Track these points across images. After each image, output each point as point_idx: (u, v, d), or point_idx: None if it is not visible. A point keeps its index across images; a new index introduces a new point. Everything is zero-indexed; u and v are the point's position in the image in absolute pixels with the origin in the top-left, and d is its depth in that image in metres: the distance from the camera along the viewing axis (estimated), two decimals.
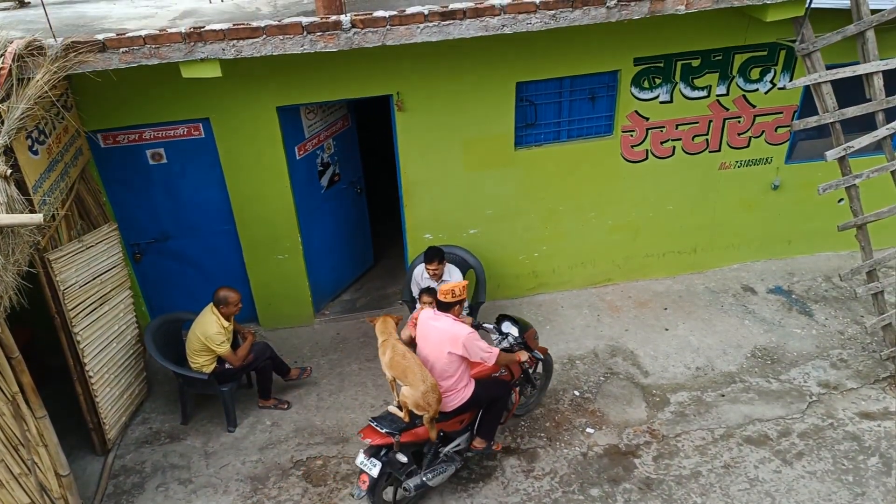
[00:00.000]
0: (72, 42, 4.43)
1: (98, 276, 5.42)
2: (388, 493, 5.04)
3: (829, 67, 5.43)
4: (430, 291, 5.87)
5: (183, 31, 4.54)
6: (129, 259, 6.23)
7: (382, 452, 4.80)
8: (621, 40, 5.92)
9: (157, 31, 4.55)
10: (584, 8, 4.84)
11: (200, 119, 5.80)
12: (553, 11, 4.81)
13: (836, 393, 6.01)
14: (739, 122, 6.58)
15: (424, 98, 5.94)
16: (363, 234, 7.54)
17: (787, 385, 6.11)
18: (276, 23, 4.62)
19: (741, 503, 5.11)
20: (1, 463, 4.23)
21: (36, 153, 4.69)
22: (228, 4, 5.32)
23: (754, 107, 6.52)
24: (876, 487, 5.20)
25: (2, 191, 3.85)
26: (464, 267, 6.47)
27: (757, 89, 6.43)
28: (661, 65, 6.16)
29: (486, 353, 4.79)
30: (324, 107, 6.41)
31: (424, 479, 4.98)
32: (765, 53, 6.24)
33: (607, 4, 4.83)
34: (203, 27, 4.58)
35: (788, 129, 6.66)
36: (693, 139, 6.61)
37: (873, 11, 5.26)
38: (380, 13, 4.68)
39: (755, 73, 6.34)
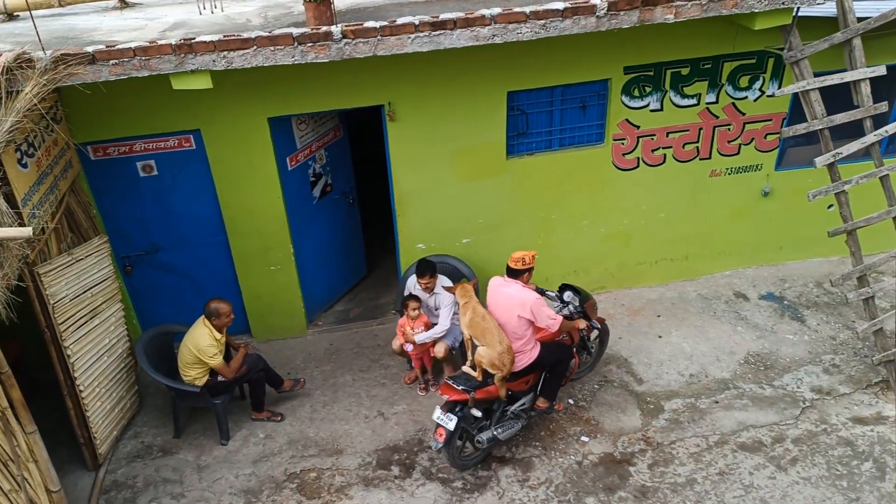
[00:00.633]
0: (61, 54, 4.41)
1: (88, 289, 5.38)
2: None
3: (817, 75, 5.47)
4: (415, 298, 6.00)
5: (173, 42, 4.53)
6: (119, 271, 6.20)
7: (458, 408, 5.23)
8: (611, 49, 5.95)
9: (147, 43, 4.54)
10: (574, 17, 4.86)
11: (191, 131, 5.79)
12: (543, 21, 4.83)
13: (829, 398, 6.03)
14: (729, 129, 6.62)
15: (416, 108, 5.95)
16: (356, 245, 7.52)
17: (781, 391, 6.12)
18: (267, 34, 4.61)
19: None
20: None
21: (25, 166, 4.66)
22: (219, 16, 5.31)
23: (744, 114, 6.56)
24: (870, 493, 5.20)
25: None
26: (457, 276, 6.46)
27: (746, 97, 6.47)
28: (651, 73, 6.20)
29: (551, 319, 5.15)
30: (315, 117, 6.41)
31: (495, 432, 5.39)
32: (753, 61, 6.29)
33: (597, 14, 4.86)
34: (193, 39, 4.57)
35: (778, 136, 6.70)
36: (684, 147, 6.65)
37: (859, 19, 5.31)
38: (370, 24, 4.69)
39: (744, 81, 6.39)
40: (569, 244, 6.98)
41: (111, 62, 4.54)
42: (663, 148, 6.62)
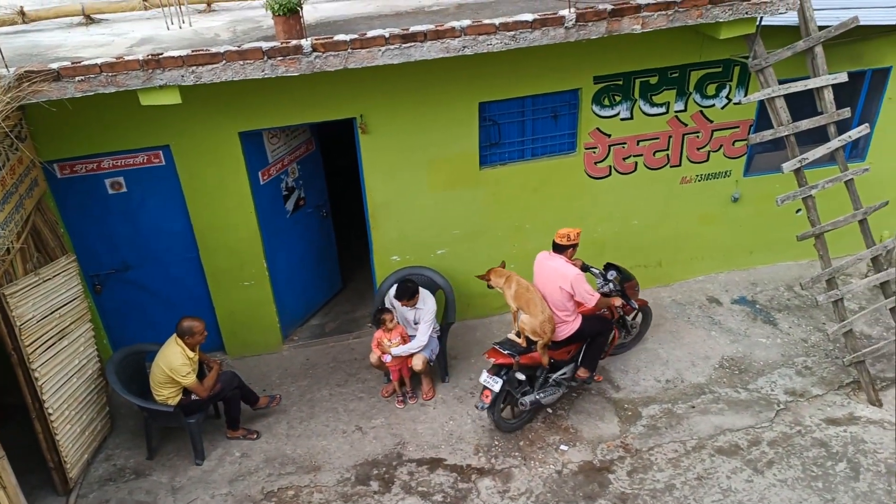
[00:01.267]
0: (25, 71, 4.34)
1: (56, 309, 5.27)
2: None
3: (781, 82, 5.59)
4: (389, 310, 6.03)
5: (141, 58, 4.48)
6: (88, 291, 6.08)
7: (503, 372, 5.57)
8: (581, 59, 6.01)
9: (114, 59, 4.48)
10: (543, 28, 4.90)
11: (160, 146, 5.72)
12: (513, 32, 4.87)
13: (802, 400, 6.11)
14: (698, 136, 6.72)
15: (388, 120, 5.95)
16: (330, 258, 7.47)
17: (755, 394, 6.19)
18: (236, 48, 4.58)
19: None
20: None
21: None
22: (187, 31, 5.26)
23: (712, 122, 6.66)
24: (845, 493, 5.27)
25: None
26: (432, 288, 6.44)
27: (713, 105, 6.58)
28: (621, 82, 6.27)
29: (589, 295, 5.47)
30: (287, 131, 6.37)
31: (538, 396, 5.75)
32: (720, 70, 6.40)
33: (566, 25, 4.91)
34: (161, 54, 4.53)
35: (745, 142, 6.82)
36: (654, 154, 6.73)
37: (820, 28, 5.44)
38: (341, 37, 4.68)
39: (711, 89, 6.49)
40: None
41: (77, 79, 4.48)
42: (634, 156, 6.69)
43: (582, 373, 5.95)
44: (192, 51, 4.56)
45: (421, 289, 6.07)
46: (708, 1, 5.02)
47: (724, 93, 6.54)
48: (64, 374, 5.35)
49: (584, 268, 6.06)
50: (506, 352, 5.59)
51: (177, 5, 5.39)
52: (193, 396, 5.58)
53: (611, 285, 6.17)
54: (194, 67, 4.57)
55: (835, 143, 5.70)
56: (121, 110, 5.28)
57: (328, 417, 6.15)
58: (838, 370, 6.38)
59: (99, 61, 4.47)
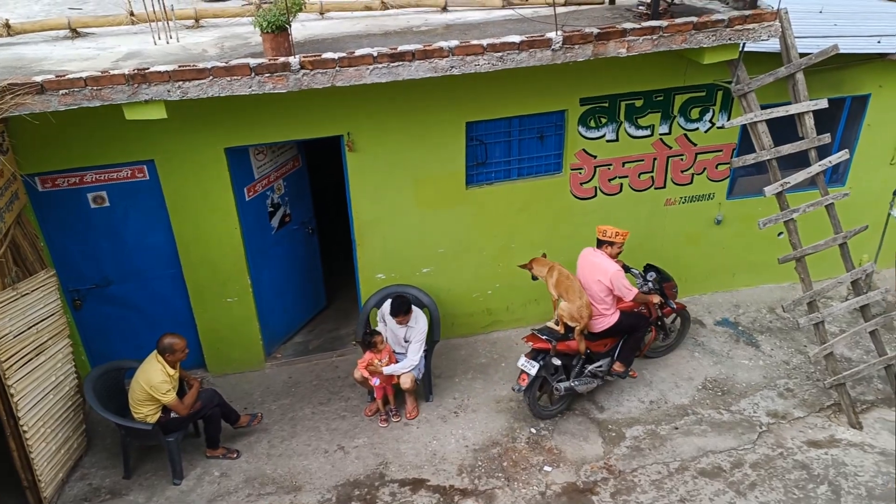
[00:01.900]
0: (8, 84, 4.30)
1: (34, 324, 5.19)
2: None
3: (763, 107, 5.67)
4: (378, 332, 5.98)
5: (126, 72, 4.47)
6: (68, 306, 5.99)
7: (540, 356, 5.81)
8: (567, 81, 6.07)
9: (100, 73, 4.46)
10: (531, 50, 4.95)
11: (145, 161, 5.67)
12: (500, 53, 4.91)
13: (784, 422, 6.13)
14: (682, 159, 6.79)
15: (375, 138, 5.96)
16: (315, 275, 7.43)
17: (738, 416, 6.21)
18: (224, 64, 4.58)
19: None
20: None
21: None
22: (174, 46, 5.25)
23: (695, 145, 6.74)
24: None
25: None
26: (418, 306, 6.41)
27: (697, 128, 6.66)
28: (606, 105, 6.34)
29: (627, 289, 5.76)
30: (274, 147, 6.35)
31: (573, 383, 5.99)
32: (703, 94, 6.49)
33: (553, 47, 4.96)
34: (147, 68, 4.51)
35: (728, 166, 6.90)
36: (639, 176, 6.79)
37: (802, 55, 5.54)
38: (329, 55, 4.70)
39: (695, 113, 6.58)
40: (529, 272, 7.00)
41: (61, 92, 4.45)
42: (620, 177, 6.75)
43: (618, 367, 6.17)
44: (179, 66, 4.55)
45: (413, 307, 6.05)
46: (692, 27, 5.10)
47: (708, 117, 6.62)
48: (40, 391, 5.25)
49: (625, 268, 6.19)
50: (544, 337, 5.84)
51: (164, 20, 5.38)
52: (173, 414, 5.50)
53: (650, 285, 6.35)
54: (181, 82, 4.55)
55: (815, 168, 5.78)
56: (105, 124, 5.24)
57: (310, 436, 6.08)
58: (819, 392, 6.42)
59: (84, 75, 4.45)
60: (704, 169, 6.89)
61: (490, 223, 6.65)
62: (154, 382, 5.29)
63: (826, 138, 5.74)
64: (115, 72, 4.48)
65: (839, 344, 6.20)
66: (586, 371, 6.09)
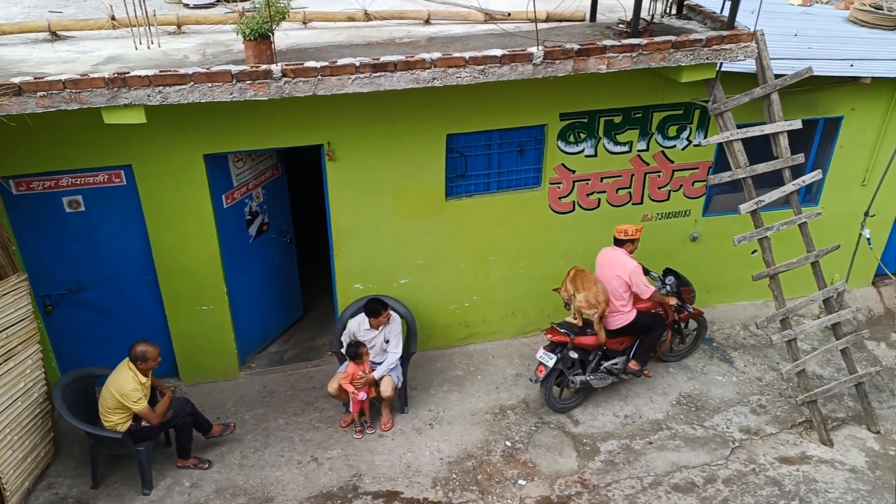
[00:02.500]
0: None
1: (3, 329, 5.11)
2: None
3: (739, 126, 5.77)
4: (362, 343, 5.93)
5: (106, 76, 4.43)
6: (39, 311, 5.89)
7: (558, 349, 6.01)
8: (548, 96, 6.13)
9: (79, 76, 4.43)
10: (512, 64, 5.00)
11: (122, 166, 5.62)
12: (482, 66, 4.95)
13: (756, 438, 6.19)
14: (659, 176, 6.87)
15: (356, 148, 5.96)
16: (292, 285, 7.38)
17: (711, 431, 6.25)
18: (205, 70, 4.57)
19: None
20: None
21: None
22: (155, 51, 5.22)
23: (672, 162, 6.83)
24: None
25: None
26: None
27: (674, 145, 6.75)
28: (586, 120, 6.40)
29: (645, 286, 5.96)
30: (253, 155, 6.33)
31: (589, 378, 6.18)
32: (681, 112, 6.59)
33: (534, 62, 5.01)
34: (128, 73, 4.49)
35: (704, 183, 7.00)
36: (617, 192, 6.85)
37: (777, 76, 5.66)
38: (311, 63, 4.70)
39: (672, 131, 6.67)
40: (506, 285, 7.03)
41: (39, 94, 4.40)
42: (598, 192, 6.81)
43: (633, 365, 6.33)
44: (160, 71, 4.53)
45: (392, 313, 6.06)
46: (671, 45, 5.19)
47: (685, 134, 6.72)
48: (8, 397, 5.15)
49: (645, 271, 6.31)
50: (562, 330, 6.01)
51: (146, 26, 5.35)
52: (144, 423, 5.42)
53: (668, 288, 6.53)
54: (161, 87, 4.53)
55: (789, 187, 5.88)
56: (83, 128, 5.20)
57: (283, 447, 6.02)
58: (791, 409, 6.50)
59: (63, 77, 4.41)
60: (681, 186, 6.98)
61: (469, 235, 6.67)
62: (125, 390, 5.21)
63: (800, 158, 5.86)
64: (95, 75, 4.44)
65: (811, 361, 6.28)
66: (602, 367, 6.25)
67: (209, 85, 4.60)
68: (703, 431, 6.26)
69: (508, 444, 6.08)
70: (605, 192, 6.82)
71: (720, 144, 6.10)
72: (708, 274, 7.57)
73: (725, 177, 5.90)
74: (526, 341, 7.31)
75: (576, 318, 6.09)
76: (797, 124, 5.79)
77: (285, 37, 5.52)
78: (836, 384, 6.25)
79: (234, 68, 4.61)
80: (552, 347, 6.08)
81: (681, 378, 6.83)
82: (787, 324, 6.10)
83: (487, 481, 5.72)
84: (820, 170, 6.22)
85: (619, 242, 6.09)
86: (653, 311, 6.33)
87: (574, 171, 6.63)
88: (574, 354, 6.10)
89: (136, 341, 5.33)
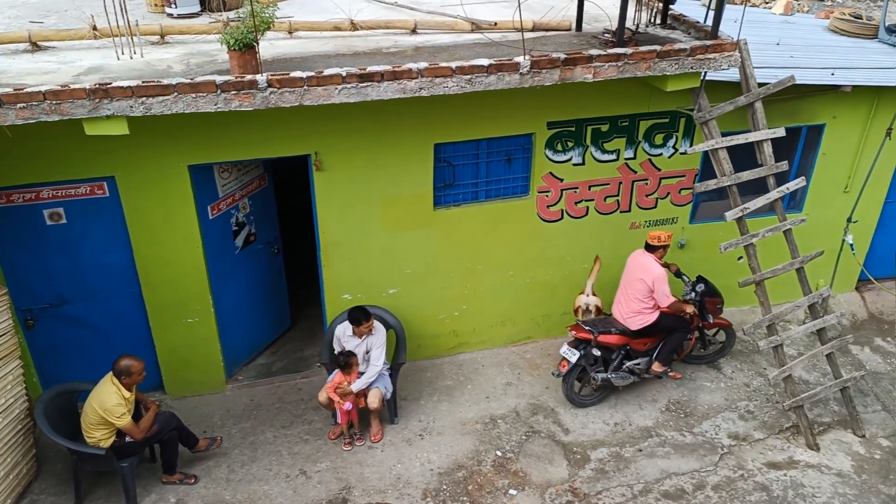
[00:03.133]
0: None
1: None
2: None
3: (724, 135, 5.81)
4: (353, 353, 5.85)
5: (87, 87, 4.37)
6: (20, 326, 5.78)
7: (581, 346, 6.18)
8: (535, 105, 6.14)
9: (59, 87, 4.36)
10: (499, 74, 5.00)
11: (105, 177, 5.55)
12: (469, 76, 4.94)
13: (745, 444, 6.21)
14: (647, 184, 6.90)
15: (343, 158, 5.93)
16: (280, 296, 7.31)
17: (700, 438, 6.27)
18: (189, 81, 4.52)
19: None
20: None
21: None
22: (138, 62, 5.16)
23: (659, 170, 6.87)
24: None
25: None
26: (384, 327, 6.36)
27: (661, 154, 6.79)
28: (573, 129, 6.42)
29: (665, 296, 6.04)
30: (239, 166, 6.27)
31: (610, 376, 6.30)
32: (667, 120, 6.62)
33: (520, 71, 5.02)
34: (110, 83, 4.43)
35: (691, 191, 7.04)
36: (605, 200, 6.87)
37: (760, 85, 5.71)
38: (297, 73, 4.67)
39: (659, 139, 6.70)
40: (495, 294, 7.02)
41: (19, 105, 4.33)
42: (586, 200, 6.82)
43: (657, 367, 6.42)
44: (143, 81, 4.48)
45: (375, 322, 6.01)
46: (656, 55, 5.22)
47: (671, 142, 6.76)
48: None
49: (678, 273, 6.50)
50: (587, 328, 6.16)
51: (128, 36, 5.29)
52: (128, 438, 5.33)
53: (692, 296, 6.54)
54: (144, 98, 4.48)
55: (774, 195, 5.93)
56: (64, 139, 5.13)
57: (271, 461, 5.94)
58: (779, 414, 6.53)
59: (43, 88, 4.34)
60: (668, 193, 7.01)
61: (457, 245, 6.65)
62: (108, 406, 5.12)
63: (784, 166, 5.91)
64: (76, 86, 4.38)
65: (797, 366, 6.32)
66: (625, 366, 6.35)
67: (193, 95, 4.55)
68: (692, 438, 6.27)
69: (499, 453, 6.05)
70: (593, 200, 6.83)
71: (706, 152, 6.14)
72: None
73: (711, 184, 5.93)
74: (516, 350, 7.30)
75: (591, 314, 6.52)
76: (780, 132, 5.85)
77: (270, 47, 5.49)
78: (821, 389, 6.30)
79: (219, 79, 4.56)
80: (576, 344, 6.22)
81: (669, 385, 6.85)
82: (773, 329, 6.14)
83: (478, 492, 5.68)
84: (803, 177, 6.28)
85: (650, 248, 6.14)
86: (678, 314, 6.37)
87: (562, 180, 6.64)
88: (597, 352, 6.23)
89: (120, 355, 5.24)
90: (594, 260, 6.74)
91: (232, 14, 5.53)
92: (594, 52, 5.18)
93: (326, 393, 5.88)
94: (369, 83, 4.78)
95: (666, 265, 6.29)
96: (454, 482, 5.76)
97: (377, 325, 6.05)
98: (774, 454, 6.12)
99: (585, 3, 5.90)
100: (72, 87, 4.38)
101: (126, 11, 5.17)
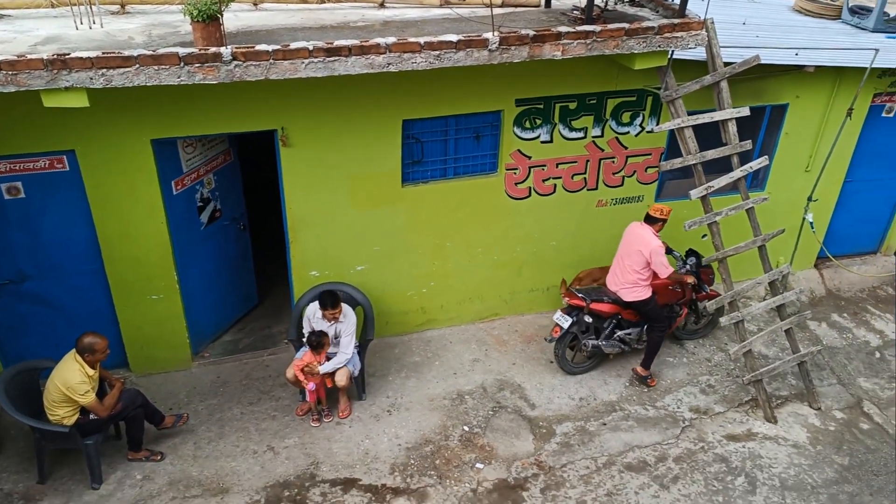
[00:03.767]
0: None
1: None
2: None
3: (690, 113, 5.88)
4: (325, 333, 5.83)
5: (45, 57, 4.24)
6: None
7: (574, 313, 6.31)
8: (504, 82, 6.13)
9: (15, 57, 4.22)
10: (468, 50, 4.97)
11: (65, 151, 5.41)
12: (437, 52, 4.91)
13: (705, 417, 6.38)
14: (613, 162, 6.96)
15: (310, 133, 5.86)
16: (246, 272, 7.25)
17: (663, 411, 6.42)
18: (151, 53, 4.42)
19: None
20: None
21: None
22: (98, 32, 5.02)
23: (626, 148, 6.93)
24: None
25: None
26: (352, 304, 6.36)
27: (628, 132, 6.84)
28: (541, 106, 6.43)
29: (664, 267, 6.07)
30: (204, 140, 6.16)
31: (601, 343, 6.47)
32: (634, 99, 6.67)
33: (489, 48, 5.00)
34: (68, 54, 4.30)
35: (657, 169, 7.12)
36: (572, 178, 6.92)
37: (726, 64, 5.77)
38: (263, 47, 4.59)
39: (626, 117, 6.75)
40: (463, 271, 7.05)
41: None
42: (553, 178, 6.86)
43: (640, 370, 6.63)
44: (103, 53, 4.36)
45: (343, 304, 5.97)
46: (624, 32, 5.24)
47: (638, 121, 6.81)
48: None
49: (668, 250, 6.43)
50: (580, 295, 6.30)
51: (87, 5, 5.13)
52: (92, 416, 5.27)
53: (687, 268, 6.69)
54: (104, 70, 4.36)
55: (737, 173, 6.03)
56: (22, 112, 4.98)
57: (238, 437, 5.94)
58: (738, 388, 6.71)
59: None
60: (634, 172, 7.09)
61: (425, 222, 6.65)
62: (71, 383, 5.05)
63: (747, 145, 6.00)
64: (33, 56, 4.25)
65: (757, 342, 6.49)
66: (616, 335, 6.51)
67: (156, 68, 4.44)
68: (654, 412, 6.41)
69: (466, 428, 6.12)
70: (560, 177, 6.87)
71: (672, 131, 6.21)
72: None
73: (677, 163, 6.01)
74: (483, 326, 7.36)
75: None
76: (745, 111, 5.93)
77: (235, 18, 5.39)
78: (780, 363, 6.48)
79: (182, 51, 4.46)
80: (569, 311, 6.34)
81: (634, 361, 6.97)
82: (734, 306, 6.28)
83: (445, 466, 5.76)
84: (766, 156, 6.40)
85: (651, 220, 6.17)
86: (669, 287, 6.47)
87: (530, 157, 6.66)
88: (589, 319, 6.35)
89: (83, 333, 5.16)
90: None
91: None
92: (563, 29, 5.18)
93: (294, 372, 5.87)
94: (336, 58, 4.73)
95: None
96: (422, 457, 5.82)
97: (348, 311, 6.01)
98: (734, 427, 6.30)
99: None
100: (29, 57, 4.24)
101: None
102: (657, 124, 6.74)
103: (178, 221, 6.07)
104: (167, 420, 5.80)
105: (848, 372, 7.07)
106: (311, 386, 5.83)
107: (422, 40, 4.85)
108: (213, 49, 4.51)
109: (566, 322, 6.29)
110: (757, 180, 7.61)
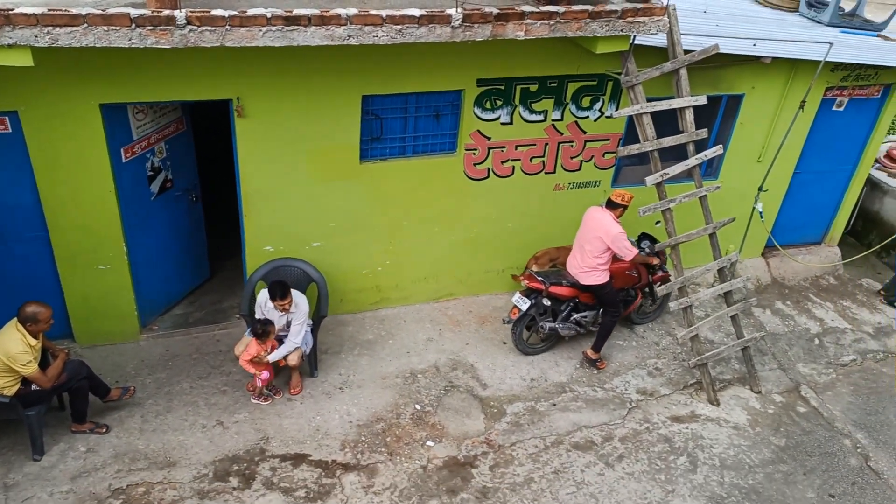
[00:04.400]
0: None
1: None
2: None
3: (649, 100, 5.94)
4: (270, 321, 5.77)
5: None
6: None
7: (533, 295, 6.41)
8: (466, 61, 6.09)
9: None
10: (430, 25, 4.91)
11: (7, 112, 5.19)
12: (399, 26, 4.84)
13: (651, 399, 6.54)
14: (572, 146, 7.01)
15: (267, 104, 5.74)
16: (198, 245, 7.10)
17: (611, 393, 6.56)
18: (100, 12, 4.25)
19: None
20: None
21: None
22: None
23: (585, 133, 6.97)
24: (684, 484, 5.71)
25: None
26: (306, 280, 6.30)
27: (587, 116, 6.89)
28: (502, 87, 6.42)
29: (628, 250, 6.15)
30: (155, 107, 5.98)
31: (558, 325, 6.61)
32: (595, 83, 6.71)
33: (452, 24, 4.95)
34: (11, 9, 4.11)
35: (614, 155, 7.19)
36: (531, 160, 6.95)
37: (686, 52, 5.84)
38: (218, 12, 4.45)
39: (586, 102, 6.79)
40: (420, 250, 7.04)
41: None
42: (512, 160, 6.88)
43: (591, 353, 6.76)
44: (49, 9, 4.18)
45: (294, 291, 5.83)
46: (587, 15, 5.24)
47: (598, 106, 6.86)
48: None
49: None
50: (539, 278, 6.41)
51: None
52: (34, 387, 5.13)
53: (646, 251, 6.80)
54: (50, 28, 4.19)
55: (692, 161, 6.14)
56: None
57: (187, 411, 5.86)
58: (684, 372, 6.89)
59: None
60: (592, 156, 7.15)
61: (383, 199, 6.61)
62: (13, 353, 4.90)
63: (703, 133, 6.11)
64: None
65: (704, 327, 6.66)
66: (572, 318, 6.64)
67: (105, 28, 4.28)
68: (603, 393, 6.55)
69: (418, 407, 6.15)
70: (519, 160, 6.89)
71: (630, 117, 6.27)
72: None
73: (634, 149, 6.08)
74: (438, 306, 7.38)
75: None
76: (702, 100, 6.02)
77: None
78: (725, 348, 6.68)
79: (134, 12, 4.30)
80: (528, 293, 6.42)
81: (585, 343, 7.08)
82: (684, 291, 6.42)
83: (396, 443, 5.79)
84: (721, 145, 6.52)
85: (612, 205, 6.18)
86: (626, 272, 6.62)
87: (489, 138, 6.65)
88: (547, 302, 6.46)
89: (26, 301, 5.00)
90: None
91: None
92: (527, 8, 5.15)
93: (242, 365, 5.77)
94: (295, 27, 4.62)
95: None
96: (373, 434, 5.84)
97: (300, 300, 5.86)
98: (678, 408, 6.48)
99: None
100: None
101: None
102: (616, 110, 6.79)
103: (127, 190, 5.90)
104: (113, 393, 5.68)
105: (788, 357, 7.32)
106: (264, 375, 5.76)
107: (384, 13, 4.77)
108: (166, 12, 4.35)
109: (525, 304, 6.37)
110: (711, 169, 7.76)
